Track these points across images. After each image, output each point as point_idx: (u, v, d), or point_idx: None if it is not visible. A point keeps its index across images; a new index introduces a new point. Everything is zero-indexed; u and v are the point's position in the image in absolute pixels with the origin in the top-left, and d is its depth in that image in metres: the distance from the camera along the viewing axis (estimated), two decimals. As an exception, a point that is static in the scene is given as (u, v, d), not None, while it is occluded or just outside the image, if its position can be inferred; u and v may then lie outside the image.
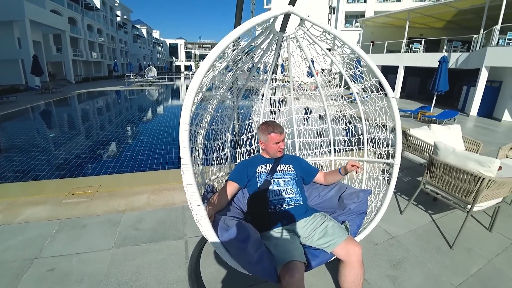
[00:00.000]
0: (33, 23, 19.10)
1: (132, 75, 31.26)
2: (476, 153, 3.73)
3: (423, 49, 17.54)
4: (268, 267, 1.32)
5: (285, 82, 2.70)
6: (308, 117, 2.79)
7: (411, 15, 18.18)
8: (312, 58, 2.28)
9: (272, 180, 1.77)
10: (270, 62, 2.35)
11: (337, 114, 2.55)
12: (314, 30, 1.79)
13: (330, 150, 2.63)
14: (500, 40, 11.88)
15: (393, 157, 1.75)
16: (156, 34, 66.11)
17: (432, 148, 2.98)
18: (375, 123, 2.05)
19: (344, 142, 2.52)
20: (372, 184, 2.02)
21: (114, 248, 2.23)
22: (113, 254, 2.16)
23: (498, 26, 11.79)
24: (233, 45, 1.57)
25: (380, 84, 1.71)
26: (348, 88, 2.30)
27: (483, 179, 2.22)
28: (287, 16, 2.51)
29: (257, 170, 1.83)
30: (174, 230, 2.49)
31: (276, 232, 1.59)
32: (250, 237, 1.34)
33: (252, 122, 2.64)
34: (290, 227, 1.63)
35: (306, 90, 2.72)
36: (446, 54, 14.57)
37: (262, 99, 2.62)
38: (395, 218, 2.79)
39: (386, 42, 19.56)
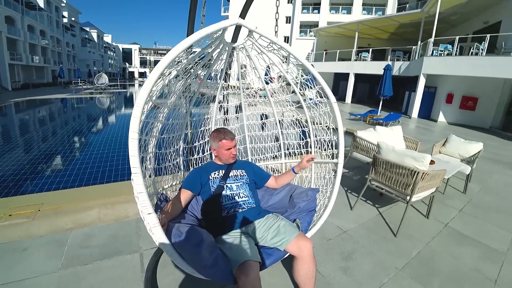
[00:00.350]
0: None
1: (81, 82, 29.05)
2: (415, 150, 4.18)
3: (371, 58, 19.21)
4: (224, 269, 1.35)
5: (237, 89, 2.78)
6: (264, 123, 2.89)
7: (360, 26, 19.83)
8: (268, 65, 2.39)
9: (225, 185, 1.82)
10: (218, 69, 2.42)
11: (286, 119, 2.70)
12: (262, 41, 1.89)
13: (281, 154, 2.76)
14: (434, 51, 13.52)
15: (337, 157, 1.91)
16: (107, 38, 62.31)
17: (376, 147, 3.28)
18: (321, 126, 2.22)
19: (294, 145, 2.66)
20: (320, 183, 2.17)
21: (61, 270, 2.06)
22: (60, 276, 1.99)
23: (432, 39, 13.44)
24: (184, 55, 1.59)
25: (323, 90, 1.85)
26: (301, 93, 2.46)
27: (418, 172, 2.51)
28: (238, 27, 2.60)
29: (210, 176, 1.87)
30: (128, 244, 2.38)
31: (231, 235, 1.63)
32: (204, 241, 1.36)
33: (204, 130, 2.67)
34: (244, 229, 1.68)
35: (261, 97, 2.82)
36: (390, 62, 16.17)
37: (213, 107, 2.66)
38: (346, 214, 3.01)
39: (338, 50, 20.99)
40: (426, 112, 14.97)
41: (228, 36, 2.13)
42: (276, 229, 1.63)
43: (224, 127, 2.43)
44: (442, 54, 13.25)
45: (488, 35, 11.63)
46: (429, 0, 13.99)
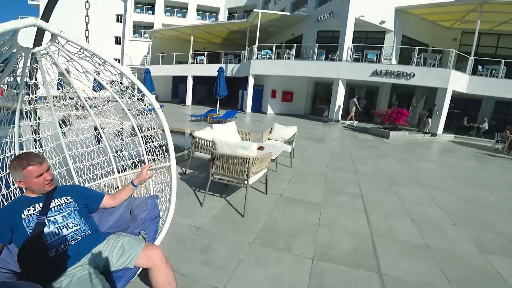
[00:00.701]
0: None
1: None
2: (249, 140, 4.95)
3: (206, 61, 20.66)
4: None
5: (55, 100, 2.31)
6: (99, 135, 2.54)
7: (194, 31, 20.82)
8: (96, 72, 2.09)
9: (46, 220, 1.50)
10: (18, 80, 1.93)
11: (111, 131, 2.52)
12: (71, 47, 1.67)
13: (113, 168, 2.57)
14: (259, 55, 16.39)
15: (169, 160, 2.00)
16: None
17: (212, 144, 3.64)
18: (149, 133, 2.24)
19: (125, 156, 2.54)
20: (160, 189, 2.20)
21: None
22: None
23: (256, 45, 16.33)
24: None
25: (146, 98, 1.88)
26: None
27: (248, 159, 3.02)
28: (41, 31, 2.16)
29: (22, 215, 1.48)
30: None
31: (67, 275, 1.38)
32: None
33: (4, 158, 2.03)
34: (83, 261, 1.48)
35: (92, 107, 2.45)
36: (223, 65, 18.06)
37: (15, 127, 2.09)
38: (197, 211, 3.19)
39: (175, 54, 21.25)
40: (258, 107, 18.06)
41: (29, 39, 1.75)
42: (120, 248, 1.53)
43: (28, 151, 1.90)
44: (265, 58, 16.35)
45: (295, 44, 15.79)
46: (252, 13, 16.76)
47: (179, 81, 23.09)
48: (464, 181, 5.53)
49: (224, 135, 4.42)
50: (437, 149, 10.02)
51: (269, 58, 16.36)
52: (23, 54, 1.69)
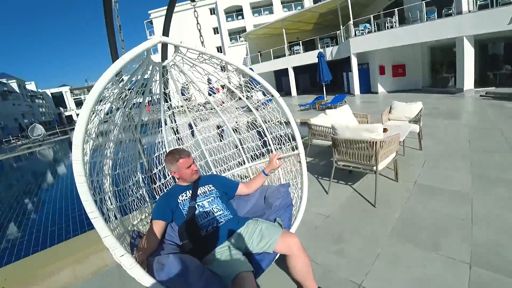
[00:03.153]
0: None
1: (13, 139, 26.03)
2: (367, 123, 4.48)
3: (303, 50, 20.26)
4: None
5: (182, 107, 2.73)
6: (222, 130, 2.86)
7: (284, 23, 20.83)
8: (209, 78, 2.36)
9: (196, 205, 1.75)
10: (157, 92, 2.35)
11: (239, 125, 2.71)
12: (191, 54, 1.88)
13: (243, 159, 2.75)
14: (357, 32, 14.80)
15: (297, 147, 1.96)
16: (31, 86, 56.78)
17: (332, 130, 3.44)
18: (273, 123, 2.26)
19: (253, 147, 2.68)
20: (289, 177, 2.21)
21: None
22: None
23: (351, 22, 14.74)
24: (114, 84, 1.50)
25: (265, 88, 1.90)
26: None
27: (376, 142, 2.69)
28: (164, 45, 2.55)
29: (178, 200, 1.79)
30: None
31: (216, 252, 1.57)
32: (189, 266, 1.28)
33: (159, 154, 2.56)
34: (227, 243, 1.63)
35: (211, 109, 2.79)
36: (321, 50, 17.25)
37: (162, 130, 2.58)
38: (324, 199, 3.09)
39: (271, 49, 21.72)
40: (366, 87, 16.30)
41: (158, 56, 2.07)
42: (259, 234, 1.61)
43: (177, 147, 2.35)
44: (364, 33, 14.56)
45: (396, 9, 13.13)
46: (338, -12, 15.32)
47: (281, 74, 23.63)
48: None
49: (340, 120, 4.14)
50: None
51: (368, 32, 14.39)
52: (157, 68, 2.00)
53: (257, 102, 2.31)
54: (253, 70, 2.12)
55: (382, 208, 2.76)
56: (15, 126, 35.31)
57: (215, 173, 2.74)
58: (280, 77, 24.42)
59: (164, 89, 2.40)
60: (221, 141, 2.82)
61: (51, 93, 64.23)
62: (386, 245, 2.18)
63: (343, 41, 16.49)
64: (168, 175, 2.51)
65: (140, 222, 2.02)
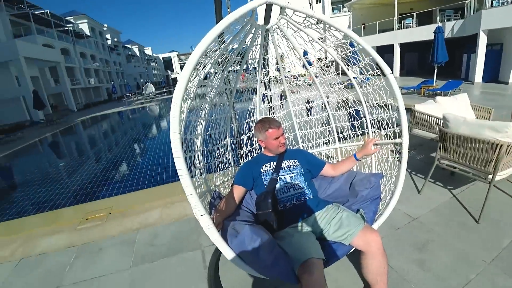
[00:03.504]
0: (28, 59, 19.40)
1: (131, 95, 31.63)
2: (488, 120, 3.59)
3: (416, 23, 17.22)
4: (285, 269, 1.26)
5: (278, 76, 2.64)
6: (311, 107, 2.71)
7: (398, -10, 17.91)
8: (304, 49, 2.21)
9: (278, 178, 1.71)
10: (257, 57, 2.30)
11: (335, 100, 2.47)
12: (297, 17, 1.73)
13: (334, 138, 2.55)
14: (494, 1, 11.57)
15: (400, 136, 1.67)
16: (148, 51, 66.79)
17: (441, 121, 2.87)
18: (376, 103, 1.96)
19: (348, 128, 2.43)
20: (383, 167, 1.93)
21: (132, 268, 2.21)
22: (132, 273, 2.14)
23: None
24: (216, 45, 1.52)
25: (375, 62, 1.63)
26: (344, 73, 2.23)
27: (501, 145, 2.11)
28: (269, 7, 2.46)
29: (261, 169, 1.78)
30: (190, 241, 2.46)
31: (289, 230, 1.53)
32: (261, 240, 1.28)
33: (250, 121, 2.58)
34: (303, 223, 1.57)
35: (305, 81, 2.65)
36: (440, 24, 14.29)
37: (256, 97, 2.57)
38: (413, 199, 2.69)
39: (377, 22, 19.22)
40: (493, 74, 12.93)
41: (260, 19, 2.00)
42: (338, 221, 1.48)
43: (269, 116, 2.30)
44: (506, 3, 11.22)
45: None
46: None
47: (384, 51, 20.86)
48: None
49: (452, 111, 3.41)
50: None
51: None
52: (259, 31, 1.93)
53: (362, 76, 2.03)
54: (353, 45, 1.86)
55: (487, 227, 2.21)
56: (133, 84, 42.71)
57: (302, 148, 2.64)
58: (382, 54, 21.61)
59: (264, 55, 2.36)
60: (308, 116, 2.68)
61: (163, 58, 74.32)
62: (484, 273, 1.75)
63: (471, 13, 13.25)
64: (255, 143, 2.53)
65: (222, 184, 2.15)
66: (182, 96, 1.12)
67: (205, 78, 1.63)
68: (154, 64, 68.06)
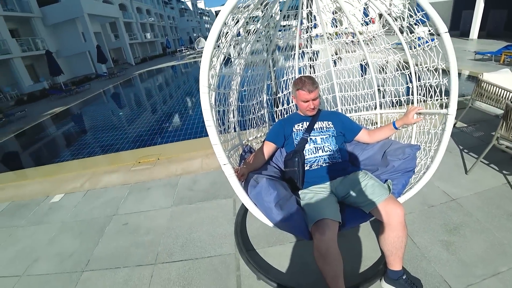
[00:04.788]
0: (91, 16, 20.96)
1: (184, 49, 32.45)
2: None
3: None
4: (298, 225, 1.34)
5: (322, 34, 2.46)
6: (366, 65, 2.50)
7: None
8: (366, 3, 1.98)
9: (308, 138, 1.72)
10: (298, 10, 2.16)
11: (380, 61, 2.23)
12: None
13: (375, 103, 2.38)
14: None
15: (448, 106, 1.50)
16: (201, 4, 66.27)
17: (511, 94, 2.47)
18: (426, 67, 1.74)
19: (391, 92, 2.22)
20: (423, 139, 1.76)
21: (173, 207, 2.54)
22: (172, 211, 2.47)
23: None
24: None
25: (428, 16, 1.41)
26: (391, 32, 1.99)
27: None
28: None
29: (293, 129, 1.79)
30: (224, 190, 2.68)
31: (312, 190, 1.57)
32: (278, 193, 1.36)
33: (287, 79, 2.51)
34: (326, 185, 1.60)
35: (354, 40, 2.42)
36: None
37: (295, 53, 2.46)
38: (458, 178, 2.47)
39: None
40: None
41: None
42: (362, 188, 1.47)
43: (310, 75, 2.19)
44: None
45: None
46: None
47: (462, 6, 17.51)
48: None
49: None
50: None
51: None
52: None
53: (413, 37, 1.79)
54: None
55: None
56: (186, 39, 43.47)
57: (340, 110, 2.54)
58: (459, 10, 17.94)
59: (310, 6, 2.21)
60: (362, 76, 2.48)
61: (215, 12, 73.25)
62: None
63: None
64: (292, 102, 2.50)
65: (255, 140, 2.23)
66: (211, 51, 1.15)
67: (237, 35, 1.61)
68: (206, 18, 67.72)
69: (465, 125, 3.49)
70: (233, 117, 1.92)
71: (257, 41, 2.01)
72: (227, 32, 1.39)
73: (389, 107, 2.23)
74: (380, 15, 1.96)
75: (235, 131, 1.98)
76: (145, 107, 9.17)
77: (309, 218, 1.35)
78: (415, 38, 1.76)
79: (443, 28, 1.32)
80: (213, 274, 1.75)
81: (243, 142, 2.06)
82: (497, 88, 2.83)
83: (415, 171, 1.62)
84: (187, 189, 2.82)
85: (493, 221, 1.96)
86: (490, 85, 2.93)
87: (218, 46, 1.32)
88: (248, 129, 2.20)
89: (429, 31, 1.48)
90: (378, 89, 2.33)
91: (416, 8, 1.49)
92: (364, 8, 2.12)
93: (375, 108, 2.39)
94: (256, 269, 1.64)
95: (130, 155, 4.23)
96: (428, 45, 1.61)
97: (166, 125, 6.50)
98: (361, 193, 1.45)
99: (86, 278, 1.87)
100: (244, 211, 2.18)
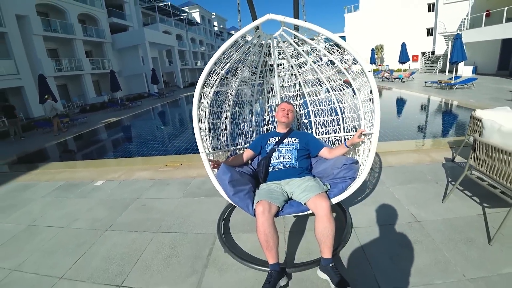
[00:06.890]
0: (151, 44, 24.38)
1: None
2: None
3: None
4: (245, 201, 1.87)
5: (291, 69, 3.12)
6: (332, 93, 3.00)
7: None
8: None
9: (276, 149, 2.29)
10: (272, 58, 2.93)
11: (339, 95, 2.77)
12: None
13: (340, 127, 2.81)
14: None
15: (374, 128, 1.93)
16: (249, 37, 71.11)
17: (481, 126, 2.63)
18: (366, 97, 2.19)
19: (351, 118, 2.62)
20: (365, 156, 2.12)
21: (181, 198, 3.16)
22: (179, 201, 3.09)
23: None
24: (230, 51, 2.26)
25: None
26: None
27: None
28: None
29: (268, 141, 2.40)
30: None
31: (268, 184, 2.10)
32: (231, 175, 1.93)
33: (271, 105, 3.19)
34: (280, 182, 2.11)
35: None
36: None
37: (275, 85, 3.13)
38: (432, 205, 2.57)
39: (506, 8, 15.27)
40: None
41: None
42: (305, 187, 1.92)
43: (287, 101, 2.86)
44: None
45: None
46: None
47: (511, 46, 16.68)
48: None
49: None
50: None
51: None
52: (268, 39, 2.54)
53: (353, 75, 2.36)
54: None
55: (496, 251, 1.93)
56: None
57: (314, 133, 3.02)
58: (510, 49, 17.15)
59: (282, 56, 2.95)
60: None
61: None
62: (453, 284, 1.65)
63: None
64: (275, 123, 3.06)
65: (242, 149, 2.90)
66: (202, 84, 1.91)
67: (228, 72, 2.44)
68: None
69: (464, 160, 3.57)
70: (226, 129, 2.61)
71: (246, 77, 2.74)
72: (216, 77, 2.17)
73: (351, 130, 2.67)
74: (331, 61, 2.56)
75: (226, 139, 2.64)
76: (186, 125, 10.19)
77: (256, 199, 1.86)
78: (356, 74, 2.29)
79: (366, 67, 1.82)
80: (194, 244, 2.28)
81: (231, 148, 2.74)
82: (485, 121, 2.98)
83: (354, 180, 1.99)
84: (196, 187, 3.43)
85: (448, 243, 2.01)
86: (479, 120, 3.10)
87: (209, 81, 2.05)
88: (238, 140, 2.93)
89: (361, 70, 1.98)
90: (342, 117, 2.80)
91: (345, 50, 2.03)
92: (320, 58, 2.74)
93: (340, 131, 2.84)
94: (225, 245, 2.08)
95: (160, 159, 5.07)
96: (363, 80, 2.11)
97: (193, 138, 7.37)
98: (301, 190, 1.92)
99: (108, 234, 2.55)
100: (229, 206, 2.67)
